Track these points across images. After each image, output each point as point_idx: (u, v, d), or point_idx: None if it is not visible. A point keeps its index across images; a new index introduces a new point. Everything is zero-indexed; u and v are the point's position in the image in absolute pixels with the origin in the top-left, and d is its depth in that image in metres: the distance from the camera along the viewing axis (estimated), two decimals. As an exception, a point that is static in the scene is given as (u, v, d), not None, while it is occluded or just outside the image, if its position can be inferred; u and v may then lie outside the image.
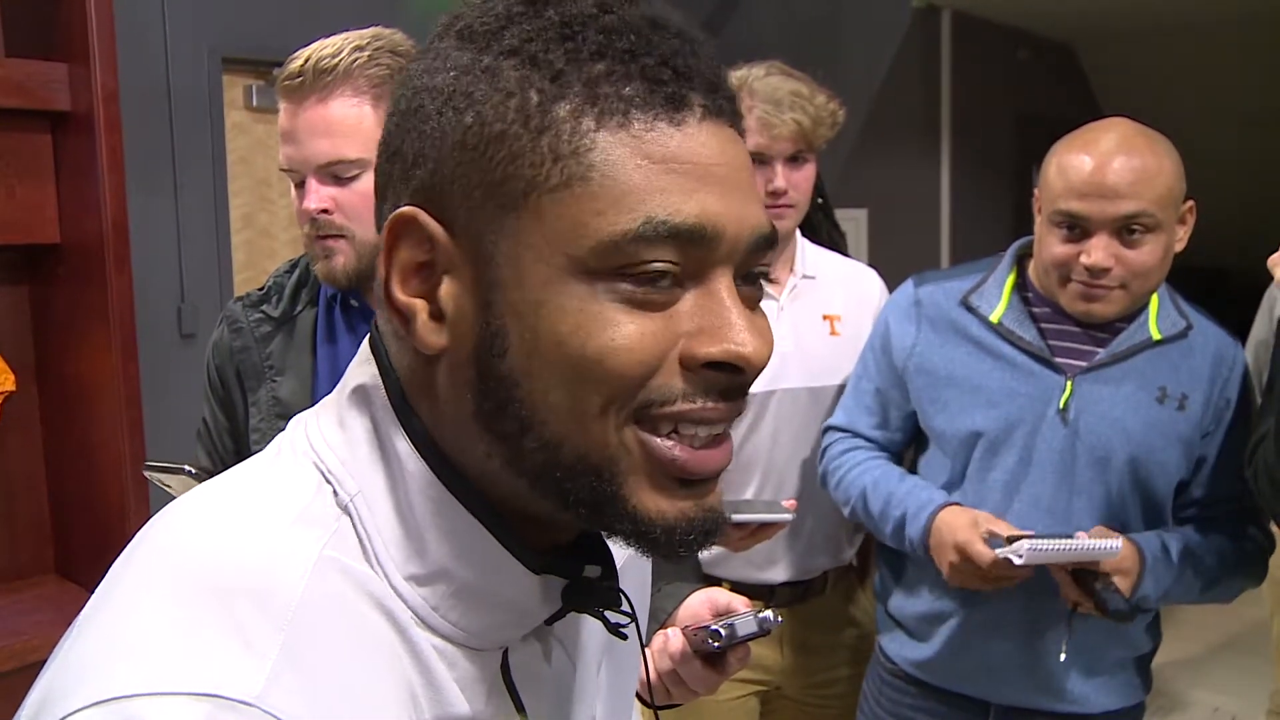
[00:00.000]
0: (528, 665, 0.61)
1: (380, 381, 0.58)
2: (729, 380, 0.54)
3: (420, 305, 0.55)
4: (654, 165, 0.52)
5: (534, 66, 0.53)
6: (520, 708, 0.60)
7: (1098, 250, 1.47)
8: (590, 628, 0.67)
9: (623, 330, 0.52)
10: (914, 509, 1.59)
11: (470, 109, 0.54)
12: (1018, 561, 1.41)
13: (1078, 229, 1.49)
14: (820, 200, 2.12)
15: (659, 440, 0.54)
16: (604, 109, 0.52)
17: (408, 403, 0.57)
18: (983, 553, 1.46)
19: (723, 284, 0.54)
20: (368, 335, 0.61)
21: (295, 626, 0.50)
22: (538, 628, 0.61)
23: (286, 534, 0.54)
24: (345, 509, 0.56)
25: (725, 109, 0.56)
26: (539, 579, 0.58)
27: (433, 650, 0.56)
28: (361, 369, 0.60)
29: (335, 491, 0.56)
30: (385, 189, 0.58)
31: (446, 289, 0.55)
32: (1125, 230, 1.46)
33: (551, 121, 0.52)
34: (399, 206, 0.55)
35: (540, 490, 0.55)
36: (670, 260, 0.52)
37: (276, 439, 0.62)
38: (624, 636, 0.64)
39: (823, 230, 2.12)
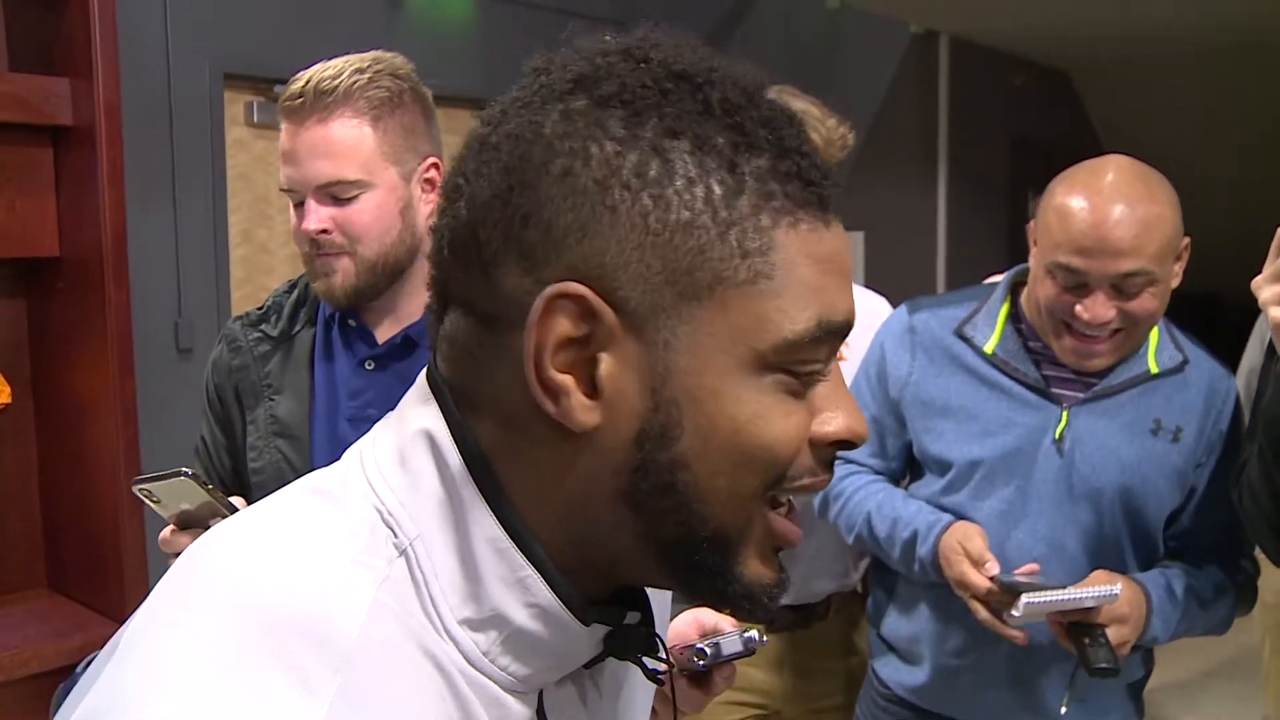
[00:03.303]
0: (563, 706, 0.62)
1: (447, 428, 0.57)
2: (838, 454, 0.60)
3: (571, 381, 0.54)
4: (817, 265, 0.56)
5: (706, 153, 0.54)
6: None
7: (1096, 305, 1.44)
8: (615, 662, 0.67)
9: (791, 421, 0.56)
10: (924, 528, 1.58)
11: (646, 190, 0.54)
12: (1015, 617, 1.39)
13: (1075, 280, 1.46)
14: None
15: (777, 516, 0.59)
16: (777, 208, 0.55)
17: (490, 465, 0.57)
18: (978, 583, 1.46)
19: (836, 367, 0.59)
20: (424, 370, 0.61)
21: (351, 669, 0.51)
22: (575, 670, 0.62)
23: (343, 574, 0.54)
24: (403, 552, 0.56)
25: (837, 205, 0.60)
26: (588, 629, 0.59)
27: (474, 693, 0.56)
28: (423, 410, 0.58)
29: (394, 533, 0.56)
30: (507, 250, 0.55)
31: (607, 367, 0.54)
32: (1125, 284, 1.44)
33: (738, 217, 0.54)
34: (542, 278, 0.54)
35: (664, 558, 0.58)
36: (825, 359, 0.57)
37: (330, 467, 0.61)
38: (660, 682, 0.67)
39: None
